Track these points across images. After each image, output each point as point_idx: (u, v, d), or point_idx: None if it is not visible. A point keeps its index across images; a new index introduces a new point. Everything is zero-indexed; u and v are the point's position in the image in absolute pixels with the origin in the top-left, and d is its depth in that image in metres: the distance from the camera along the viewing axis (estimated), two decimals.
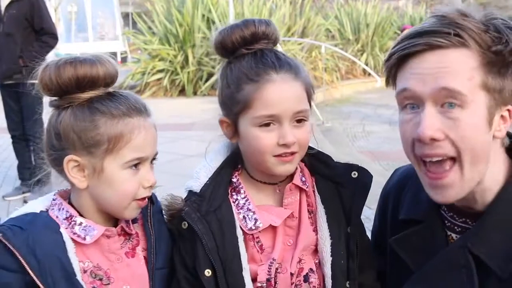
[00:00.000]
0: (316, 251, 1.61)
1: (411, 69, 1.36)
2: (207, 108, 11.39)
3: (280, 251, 1.58)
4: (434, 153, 1.36)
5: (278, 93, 1.50)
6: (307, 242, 1.59)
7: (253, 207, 1.58)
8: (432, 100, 1.33)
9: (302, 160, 1.62)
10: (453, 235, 1.46)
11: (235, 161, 1.64)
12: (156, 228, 1.59)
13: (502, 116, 1.34)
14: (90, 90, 1.49)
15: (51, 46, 6.43)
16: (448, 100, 1.32)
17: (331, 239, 1.58)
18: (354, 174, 1.61)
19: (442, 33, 1.32)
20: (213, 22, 14.51)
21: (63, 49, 19.52)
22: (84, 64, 1.47)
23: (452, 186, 1.36)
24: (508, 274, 1.32)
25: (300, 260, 1.59)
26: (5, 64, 6.06)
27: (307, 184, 1.63)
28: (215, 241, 1.54)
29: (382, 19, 19.53)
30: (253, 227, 1.56)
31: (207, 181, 1.60)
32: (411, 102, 1.37)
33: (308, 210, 1.62)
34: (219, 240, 1.54)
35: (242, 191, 1.60)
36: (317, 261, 1.60)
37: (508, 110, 1.34)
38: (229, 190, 1.61)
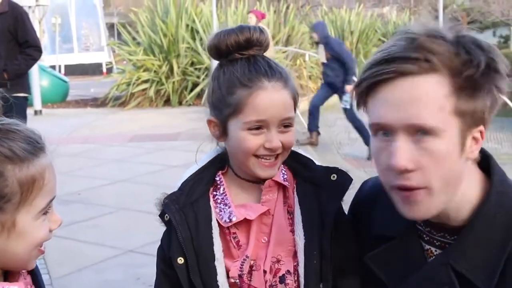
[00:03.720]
0: (296, 253, 1.63)
1: (382, 98, 1.33)
2: (192, 118, 11.40)
3: (254, 248, 1.61)
4: (403, 184, 1.34)
5: (268, 100, 1.55)
6: (281, 241, 1.62)
7: (229, 202, 1.63)
8: (403, 130, 1.31)
9: (284, 163, 1.65)
10: (432, 249, 1.45)
11: (221, 162, 1.69)
12: None
13: (474, 138, 1.33)
14: None
15: (35, 59, 6.42)
16: (420, 131, 1.30)
17: (304, 239, 1.61)
18: (333, 176, 1.64)
19: (411, 59, 1.28)
20: (197, 32, 14.54)
21: (47, 61, 19.49)
22: None
23: (422, 203, 1.35)
24: None
25: (278, 261, 1.61)
26: None
27: (288, 183, 1.66)
28: (189, 232, 1.59)
29: (366, 26, 19.65)
30: (227, 220, 1.61)
31: (189, 177, 1.67)
32: (383, 131, 1.35)
33: (288, 210, 1.65)
34: (194, 231, 1.59)
35: (221, 188, 1.65)
36: (295, 264, 1.62)
37: (480, 131, 1.33)
38: (211, 188, 1.66)
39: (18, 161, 1.21)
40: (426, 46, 1.29)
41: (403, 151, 1.30)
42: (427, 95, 1.28)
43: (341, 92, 9.69)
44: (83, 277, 4.28)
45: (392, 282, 1.47)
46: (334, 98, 10.29)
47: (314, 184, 1.65)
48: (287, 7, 17.30)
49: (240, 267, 1.60)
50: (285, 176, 1.67)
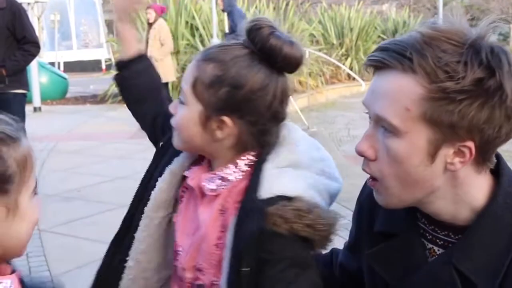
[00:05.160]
0: (218, 268, 1.55)
1: (372, 83, 1.35)
2: None
3: (182, 234, 1.64)
4: (364, 170, 1.39)
5: None
6: (203, 251, 1.58)
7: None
8: (374, 118, 1.34)
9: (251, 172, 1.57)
10: (435, 248, 1.43)
11: None
12: None
13: (459, 151, 1.29)
14: None
15: (34, 55, 6.40)
16: (384, 125, 1.31)
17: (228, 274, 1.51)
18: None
19: (398, 53, 1.28)
20: (197, 29, 14.51)
21: (46, 58, 19.47)
22: None
23: (382, 194, 1.39)
24: None
25: (201, 270, 1.58)
26: None
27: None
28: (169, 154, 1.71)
29: (366, 23, 19.62)
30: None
31: None
32: (368, 114, 1.37)
33: (222, 223, 1.57)
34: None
35: None
36: (217, 282, 1.55)
37: (467, 146, 1.28)
38: None
39: (11, 142, 1.21)
40: (420, 45, 1.27)
41: (367, 138, 1.35)
42: (398, 93, 1.27)
43: None
44: (84, 274, 4.27)
45: (393, 280, 1.44)
46: (335, 95, 10.20)
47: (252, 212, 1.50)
48: (287, 4, 17.27)
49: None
50: (221, 185, 1.57)
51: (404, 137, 1.28)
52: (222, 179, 1.56)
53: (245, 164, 1.56)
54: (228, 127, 1.52)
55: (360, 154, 1.36)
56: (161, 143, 1.76)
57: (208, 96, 1.51)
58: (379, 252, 1.48)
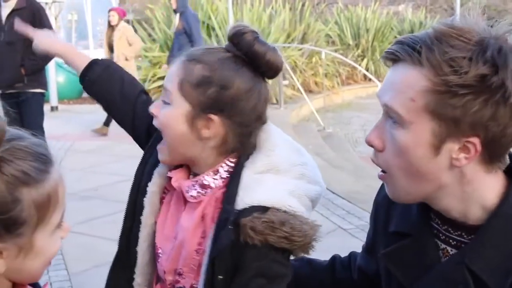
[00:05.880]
0: (198, 272, 1.58)
1: (386, 75, 1.41)
2: None
3: (162, 236, 1.65)
4: (372, 160, 1.45)
5: None
6: (184, 256, 1.60)
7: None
8: (384, 109, 1.38)
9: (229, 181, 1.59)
10: (448, 248, 1.44)
11: None
12: None
13: (464, 147, 1.31)
14: None
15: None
16: (391, 115, 1.35)
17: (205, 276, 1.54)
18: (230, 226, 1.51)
19: (410, 46, 1.32)
20: (213, 29, 14.54)
21: None
22: None
23: (389, 186, 1.43)
24: None
25: (181, 274, 1.61)
26: (6, 73, 6.08)
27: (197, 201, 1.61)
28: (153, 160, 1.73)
29: (382, 24, 19.54)
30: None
31: None
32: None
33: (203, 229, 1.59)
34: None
35: None
36: (196, 285, 1.59)
37: (472, 142, 1.30)
38: None
39: (33, 182, 1.12)
40: (428, 40, 1.31)
41: (377, 128, 1.40)
42: (405, 84, 1.32)
43: None
44: (101, 273, 4.28)
45: (406, 280, 1.46)
46: (351, 95, 10.16)
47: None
48: (303, 5, 17.24)
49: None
50: (202, 193, 1.59)
51: (409, 128, 1.32)
52: (203, 186, 1.59)
53: (225, 171, 1.59)
54: (215, 126, 1.55)
55: (369, 144, 1.41)
56: (146, 146, 1.77)
57: (197, 95, 1.55)
58: (393, 252, 1.49)
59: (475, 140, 1.29)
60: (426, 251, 1.45)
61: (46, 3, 13.34)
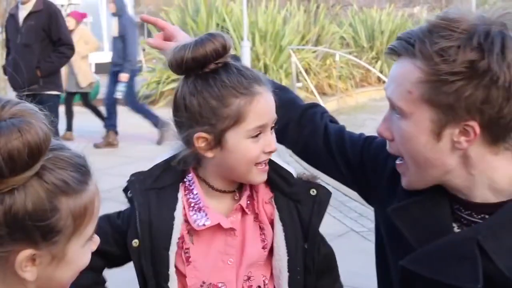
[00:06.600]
0: (264, 266, 1.63)
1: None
2: None
3: (214, 271, 1.59)
4: (388, 149, 1.52)
5: (266, 104, 1.55)
6: (252, 260, 1.61)
7: (204, 205, 1.59)
8: (389, 103, 1.46)
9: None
10: (456, 226, 1.46)
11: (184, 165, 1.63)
12: None
13: (464, 130, 1.35)
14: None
15: (68, 57, 6.50)
16: (394, 107, 1.43)
17: (288, 256, 1.60)
18: (313, 191, 1.63)
19: (406, 41, 1.39)
20: (228, 31, 14.56)
21: None
22: None
23: (404, 174, 1.49)
24: None
25: (248, 278, 1.61)
26: (23, 74, 6.13)
27: (249, 209, 1.63)
28: (149, 216, 1.57)
29: (397, 26, 19.47)
30: (201, 224, 1.57)
31: (160, 162, 1.64)
32: None
33: (259, 226, 1.63)
34: (154, 217, 1.57)
35: (194, 191, 1.61)
36: (265, 278, 1.62)
37: (470, 125, 1.34)
38: (181, 186, 1.62)
39: (72, 192, 1.14)
40: (421, 33, 1.37)
41: (385, 120, 1.48)
42: (402, 77, 1.39)
43: (115, 79, 9.15)
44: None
45: (414, 239, 1.47)
46: (365, 98, 10.12)
47: (294, 200, 1.63)
48: (317, 7, 17.25)
49: None
50: (248, 202, 1.62)
51: (410, 118, 1.39)
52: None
53: None
54: None
55: (380, 135, 1.50)
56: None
57: None
58: (403, 208, 1.51)
59: (473, 123, 1.34)
60: (439, 214, 1.47)
61: (62, 5, 13.45)
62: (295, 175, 1.66)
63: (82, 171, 1.18)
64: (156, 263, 1.56)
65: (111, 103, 9.64)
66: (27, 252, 1.12)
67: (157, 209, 1.57)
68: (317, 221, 1.62)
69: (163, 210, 1.57)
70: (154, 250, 1.56)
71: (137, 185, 1.60)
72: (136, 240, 1.56)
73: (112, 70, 9.56)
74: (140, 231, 1.56)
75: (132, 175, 1.63)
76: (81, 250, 1.20)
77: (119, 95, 9.23)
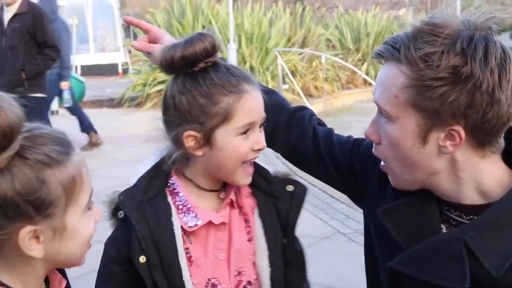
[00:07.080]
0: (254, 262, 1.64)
1: None
2: None
3: (213, 267, 1.60)
4: (373, 152, 1.53)
5: (255, 101, 1.57)
6: (241, 254, 1.62)
7: (192, 206, 1.60)
8: (377, 106, 1.47)
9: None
10: (444, 227, 1.47)
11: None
12: None
13: (450, 135, 1.37)
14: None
15: (53, 59, 6.47)
16: (381, 111, 1.45)
17: (268, 251, 1.62)
18: (290, 187, 1.66)
19: (391, 46, 1.41)
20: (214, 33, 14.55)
21: None
22: None
23: (390, 175, 1.51)
24: (502, 274, 1.33)
25: (239, 273, 1.62)
26: (7, 77, 6.10)
27: (236, 201, 1.66)
28: (149, 229, 1.56)
29: (382, 28, 19.52)
30: (192, 225, 1.58)
31: (144, 173, 1.64)
32: None
33: (244, 219, 1.65)
34: (155, 228, 1.56)
35: (180, 194, 1.62)
36: (255, 273, 1.64)
37: (455, 130, 1.36)
38: (166, 191, 1.63)
39: (56, 165, 1.19)
40: (406, 38, 1.38)
41: (372, 124, 1.49)
42: (388, 82, 1.41)
43: (57, 90, 8.88)
44: None
45: (403, 240, 1.48)
46: (351, 100, 10.16)
47: (272, 197, 1.66)
48: (303, 9, 17.29)
49: None
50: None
51: (397, 122, 1.40)
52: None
53: None
54: None
55: (367, 138, 1.51)
56: None
57: None
58: (392, 210, 1.53)
59: (458, 128, 1.35)
60: (428, 215, 1.48)
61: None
62: (271, 173, 1.69)
63: (63, 143, 1.23)
64: (169, 273, 1.56)
65: (73, 109, 9.53)
66: (27, 229, 1.17)
67: (154, 219, 1.57)
68: (295, 216, 1.65)
69: (161, 218, 1.58)
70: (163, 262, 1.56)
71: (128, 202, 1.59)
72: (143, 256, 1.55)
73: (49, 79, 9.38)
74: (145, 246, 1.55)
75: (120, 194, 1.61)
76: (81, 220, 1.25)
77: (67, 104, 9.08)
